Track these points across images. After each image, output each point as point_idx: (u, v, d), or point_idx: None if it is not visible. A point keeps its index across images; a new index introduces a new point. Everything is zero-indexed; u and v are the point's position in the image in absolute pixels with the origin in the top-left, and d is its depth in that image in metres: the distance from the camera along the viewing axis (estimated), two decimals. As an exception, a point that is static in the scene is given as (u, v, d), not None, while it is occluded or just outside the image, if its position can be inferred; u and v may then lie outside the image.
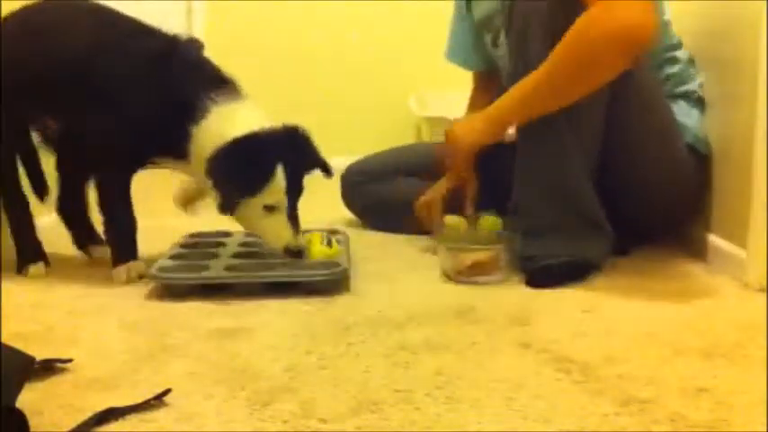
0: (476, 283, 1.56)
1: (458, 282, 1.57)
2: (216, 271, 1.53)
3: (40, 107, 1.65)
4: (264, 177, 1.48)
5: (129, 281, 1.57)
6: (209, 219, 1.69)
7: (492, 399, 1.01)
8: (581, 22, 1.45)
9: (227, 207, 1.50)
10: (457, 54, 2.10)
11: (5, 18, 1.67)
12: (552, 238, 1.56)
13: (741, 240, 1.54)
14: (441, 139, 1.81)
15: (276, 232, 1.52)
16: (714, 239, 1.68)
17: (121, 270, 1.59)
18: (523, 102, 1.56)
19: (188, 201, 1.76)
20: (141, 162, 1.63)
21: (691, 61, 1.78)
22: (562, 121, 1.52)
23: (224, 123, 1.48)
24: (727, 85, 1.67)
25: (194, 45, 1.61)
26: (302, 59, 3.51)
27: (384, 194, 2.13)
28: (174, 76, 1.53)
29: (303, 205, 1.56)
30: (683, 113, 1.73)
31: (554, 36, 1.47)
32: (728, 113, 1.66)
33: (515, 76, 1.57)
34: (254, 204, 1.50)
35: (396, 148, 2.28)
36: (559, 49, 1.47)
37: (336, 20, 3.50)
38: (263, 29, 3.49)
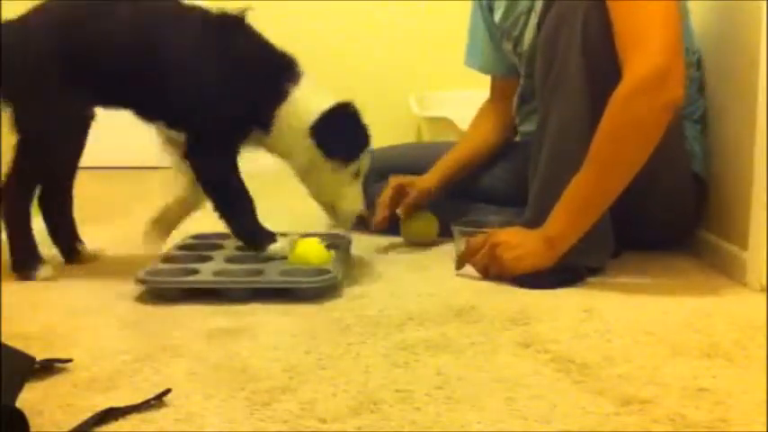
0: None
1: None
2: (204, 275, 1.49)
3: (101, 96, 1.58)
4: (366, 142, 1.59)
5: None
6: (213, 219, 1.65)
7: (492, 399, 1.01)
8: (611, 114, 1.42)
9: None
10: (475, 60, 2.01)
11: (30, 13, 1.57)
12: None
13: (741, 240, 1.54)
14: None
15: (354, 199, 1.60)
16: (714, 239, 1.68)
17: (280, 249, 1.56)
18: (581, 209, 1.49)
19: (166, 226, 1.70)
20: (243, 137, 1.59)
21: (701, 86, 1.76)
22: (581, 131, 1.49)
23: (313, 95, 1.57)
24: (727, 84, 1.66)
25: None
26: (302, 59, 3.50)
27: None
28: (252, 46, 1.67)
29: (299, 207, 1.56)
30: (693, 138, 1.72)
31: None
32: (728, 113, 1.66)
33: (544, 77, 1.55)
34: (347, 170, 1.57)
35: (388, 148, 2.14)
36: (602, 139, 1.43)
37: (337, 20, 3.50)
38: (263, 29, 3.49)
